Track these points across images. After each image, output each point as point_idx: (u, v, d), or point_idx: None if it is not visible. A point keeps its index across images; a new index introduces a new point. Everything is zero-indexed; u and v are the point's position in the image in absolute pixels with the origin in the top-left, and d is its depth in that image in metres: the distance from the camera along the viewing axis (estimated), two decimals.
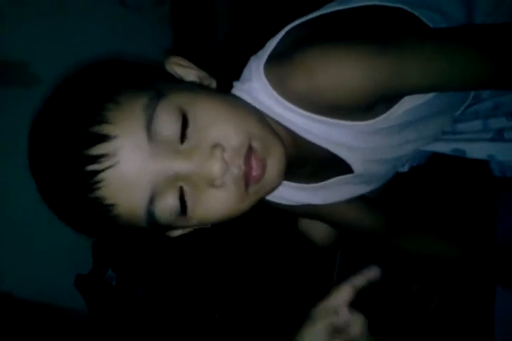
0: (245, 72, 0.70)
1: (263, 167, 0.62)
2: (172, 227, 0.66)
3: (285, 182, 0.80)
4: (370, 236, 0.97)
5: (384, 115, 0.69)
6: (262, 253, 1.64)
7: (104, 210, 0.58)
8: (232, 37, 1.69)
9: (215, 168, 0.58)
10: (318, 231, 1.01)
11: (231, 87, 0.72)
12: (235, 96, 0.69)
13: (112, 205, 0.58)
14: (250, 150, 0.61)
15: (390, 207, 0.98)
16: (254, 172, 0.61)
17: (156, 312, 1.64)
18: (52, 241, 1.64)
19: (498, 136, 0.85)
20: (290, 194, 0.82)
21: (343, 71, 0.61)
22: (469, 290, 1.05)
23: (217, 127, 0.60)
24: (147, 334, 1.61)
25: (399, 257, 1.21)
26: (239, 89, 0.70)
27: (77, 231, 0.63)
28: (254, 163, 0.61)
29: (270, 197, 0.83)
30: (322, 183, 0.81)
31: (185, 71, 0.68)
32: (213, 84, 0.69)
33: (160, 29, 1.85)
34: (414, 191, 1.16)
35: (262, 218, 1.58)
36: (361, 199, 0.91)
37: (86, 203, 0.58)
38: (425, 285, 1.14)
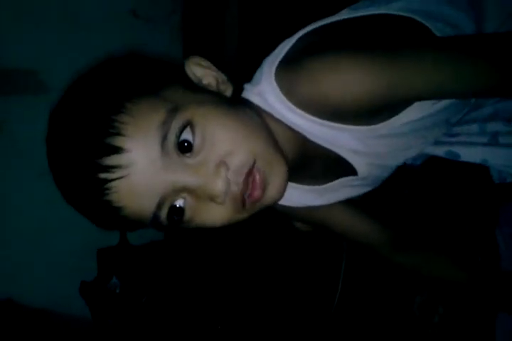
0: (257, 75, 0.72)
1: (263, 187, 0.64)
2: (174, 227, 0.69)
3: (290, 184, 0.81)
4: (372, 249, 0.97)
5: (388, 121, 0.70)
6: (265, 261, 1.63)
7: (113, 211, 0.61)
8: (241, 49, 1.70)
9: (218, 186, 0.61)
10: None
11: (242, 89, 0.73)
12: (247, 103, 0.70)
13: (121, 207, 0.61)
14: (252, 168, 0.63)
15: (395, 221, 0.98)
16: (255, 193, 0.64)
17: (159, 320, 1.64)
18: (57, 247, 1.65)
19: (493, 140, 0.85)
20: (294, 195, 0.83)
21: (348, 78, 0.63)
22: (474, 302, 1.05)
23: (225, 146, 0.62)
24: None
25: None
26: (250, 92, 0.71)
27: (93, 223, 0.67)
28: (255, 182, 0.63)
29: None
30: (327, 185, 0.83)
31: (205, 72, 0.69)
32: (229, 90, 0.70)
33: (170, 40, 1.87)
34: (413, 196, 1.16)
35: (266, 224, 1.58)
36: (364, 210, 0.92)
37: (97, 204, 0.61)
38: (430, 296, 1.14)
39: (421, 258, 0.96)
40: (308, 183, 0.83)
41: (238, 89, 0.72)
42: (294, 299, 1.55)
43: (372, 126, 0.71)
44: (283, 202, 0.84)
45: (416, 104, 0.70)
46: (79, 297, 1.66)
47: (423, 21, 0.70)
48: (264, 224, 1.57)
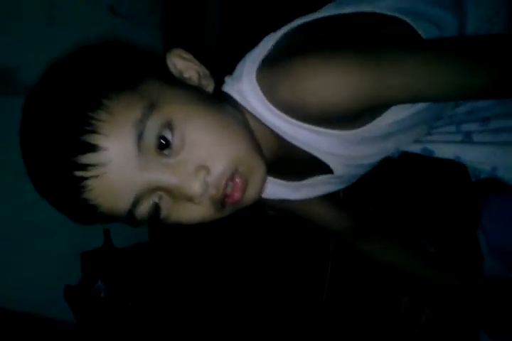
0: (238, 69, 0.70)
1: (243, 189, 0.64)
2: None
3: (269, 178, 0.81)
4: (336, 236, 1.01)
5: (369, 125, 0.70)
6: (252, 262, 1.63)
7: (89, 208, 0.61)
8: (223, 46, 1.69)
9: (196, 187, 0.61)
10: None
11: (223, 82, 0.72)
12: (227, 99, 0.69)
13: (96, 205, 0.61)
14: (234, 175, 0.63)
15: (359, 210, 1.03)
16: (235, 195, 0.64)
17: (146, 324, 1.63)
18: (41, 251, 1.63)
19: (467, 138, 0.87)
20: (271, 189, 0.83)
21: (328, 82, 0.62)
22: (460, 302, 1.05)
23: (207, 148, 0.62)
24: None
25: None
26: (230, 87, 0.70)
27: (70, 219, 0.66)
28: (236, 185, 0.63)
29: None
30: (303, 182, 0.83)
31: (187, 65, 0.68)
32: (211, 85, 0.69)
33: (150, 38, 1.85)
34: (391, 190, 1.17)
35: (252, 225, 1.58)
36: (332, 199, 0.94)
37: (73, 201, 0.61)
38: (416, 297, 1.14)
39: (379, 246, 0.99)
40: (284, 178, 0.84)
41: (219, 82, 0.71)
42: (281, 299, 1.55)
43: (355, 131, 0.70)
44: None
45: (396, 106, 0.70)
46: (64, 301, 1.64)
47: (408, 21, 0.70)
48: (250, 225, 1.56)
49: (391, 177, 1.13)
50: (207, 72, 0.70)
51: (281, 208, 0.94)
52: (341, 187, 0.89)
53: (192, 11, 1.80)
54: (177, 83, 0.66)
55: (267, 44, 0.68)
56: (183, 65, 0.68)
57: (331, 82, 0.62)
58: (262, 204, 0.94)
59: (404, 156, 0.98)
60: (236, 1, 1.73)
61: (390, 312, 1.18)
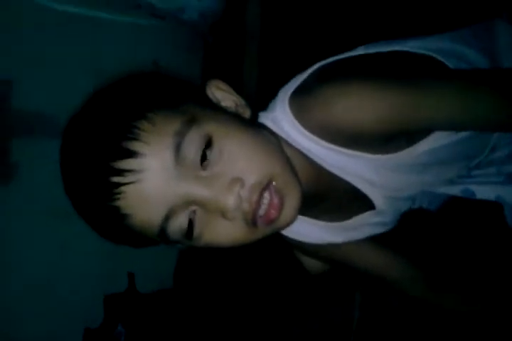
0: (271, 104, 0.73)
1: (280, 207, 0.63)
2: (181, 243, 0.67)
3: (307, 219, 0.81)
4: (398, 287, 0.92)
5: (404, 151, 0.70)
6: (275, 311, 1.61)
7: (120, 218, 0.60)
8: (260, 98, 1.72)
9: (230, 201, 0.60)
10: (312, 261, 0.98)
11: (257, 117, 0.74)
12: (263, 128, 0.71)
13: (128, 215, 0.60)
14: (268, 187, 0.63)
15: (426, 260, 0.95)
16: (271, 213, 0.63)
17: None
18: (64, 293, 1.64)
19: (509, 179, 0.86)
20: (313, 231, 0.82)
21: (359, 104, 0.64)
22: None
23: (243, 162, 0.62)
24: None
25: (418, 324, 1.18)
26: (264, 118, 0.72)
27: (95, 231, 0.65)
28: (272, 202, 0.63)
29: (287, 233, 0.83)
30: (346, 222, 0.81)
31: (224, 95, 0.70)
32: (247, 113, 0.71)
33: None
34: (427, 237, 1.15)
35: (275, 274, 1.56)
36: (386, 245, 0.90)
37: (105, 209, 0.60)
38: None
39: (457, 299, 0.91)
40: (325, 219, 0.82)
41: (254, 117, 0.73)
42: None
43: (388, 155, 0.70)
44: (301, 237, 0.84)
45: (435, 134, 0.70)
46: None
47: (438, 57, 0.71)
48: (273, 274, 1.55)
49: (424, 223, 1.10)
50: (243, 102, 0.71)
51: (327, 256, 0.90)
52: (382, 230, 0.85)
53: (230, 66, 1.85)
54: (216, 108, 0.68)
55: (298, 79, 0.70)
56: (221, 95, 0.70)
57: (363, 101, 0.63)
58: (303, 252, 0.92)
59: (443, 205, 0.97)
60: (273, 57, 1.77)
61: None
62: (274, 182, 0.63)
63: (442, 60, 0.71)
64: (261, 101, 0.75)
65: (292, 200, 0.64)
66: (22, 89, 1.58)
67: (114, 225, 0.62)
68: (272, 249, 0.93)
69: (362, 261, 0.89)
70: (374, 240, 0.88)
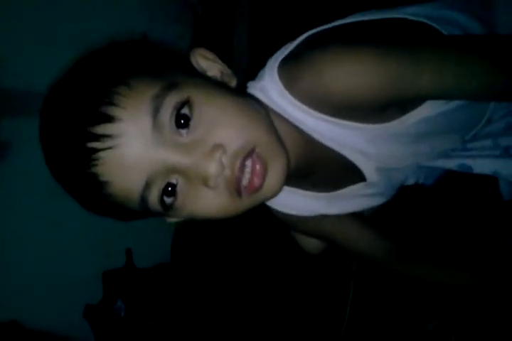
0: (260, 73, 0.70)
1: (263, 175, 0.61)
2: (164, 214, 0.66)
3: (296, 190, 0.79)
4: (372, 259, 0.94)
5: (398, 120, 0.69)
6: (272, 286, 1.62)
7: (98, 186, 0.59)
8: (251, 72, 1.71)
9: (211, 168, 0.59)
10: (308, 240, 0.98)
11: (245, 87, 0.72)
12: (250, 97, 0.69)
13: (107, 183, 0.58)
14: (251, 154, 0.61)
15: (398, 232, 0.96)
16: (254, 181, 0.61)
17: None
18: (63, 270, 1.65)
19: (506, 153, 0.84)
20: (301, 203, 0.81)
21: (350, 70, 0.61)
22: (487, 329, 1.02)
23: (225, 128, 0.60)
24: None
25: (413, 292, 1.19)
26: (253, 88, 0.70)
27: (77, 202, 0.64)
28: (255, 170, 0.61)
29: (276, 206, 0.82)
30: (336, 192, 0.80)
31: (210, 64, 0.68)
32: (233, 82, 0.69)
33: None
34: (422, 211, 1.15)
35: (273, 247, 1.57)
36: (368, 222, 0.90)
37: (83, 176, 0.59)
38: (442, 324, 1.11)
39: (426, 269, 0.92)
40: (314, 190, 0.80)
41: (242, 87, 0.71)
42: (302, 324, 1.53)
43: (380, 125, 0.69)
44: (289, 210, 0.83)
45: (428, 102, 0.68)
46: (84, 320, 1.65)
47: (432, 24, 0.70)
48: (271, 248, 1.55)
49: (417, 199, 1.10)
50: (229, 71, 0.69)
51: (314, 230, 0.89)
52: (379, 202, 0.84)
53: (220, 37, 1.83)
54: (200, 75, 0.66)
55: (288, 47, 0.68)
56: (206, 64, 0.68)
57: (353, 68, 0.61)
58: (290, 226, 0.91)
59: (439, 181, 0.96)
60: (264, 29, 1.75)
61: (415, 338, 1.16)
62: (257, 150, 0.61)
63: (437, 26, 0.70)
64: (252, 72, 0.73)
65: (276, 168, 0.62)
66: (10, 67, 1.56)
67: (94, 194, 0.60)
68: (268, 222, 0.92)
69: (345, 236, 0.89)
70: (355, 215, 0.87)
